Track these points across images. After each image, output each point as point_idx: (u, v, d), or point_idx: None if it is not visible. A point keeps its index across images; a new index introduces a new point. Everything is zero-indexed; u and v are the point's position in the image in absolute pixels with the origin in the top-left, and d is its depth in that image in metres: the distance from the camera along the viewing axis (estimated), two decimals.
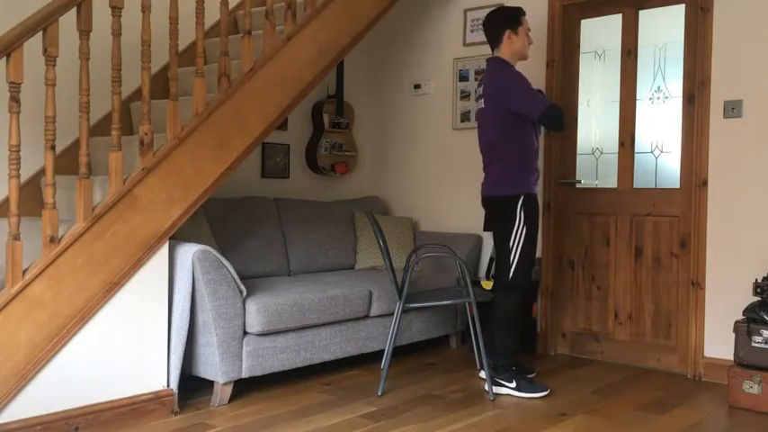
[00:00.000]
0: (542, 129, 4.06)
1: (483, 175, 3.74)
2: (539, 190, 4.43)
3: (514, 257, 3.53)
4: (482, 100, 3.66)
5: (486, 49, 4.75)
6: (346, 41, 3.92)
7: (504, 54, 3.63)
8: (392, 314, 3.95)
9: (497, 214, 3.65)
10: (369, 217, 3.74)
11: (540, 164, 4.48)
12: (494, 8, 3.81)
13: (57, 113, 2.80)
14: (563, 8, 4.45)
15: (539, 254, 4.50)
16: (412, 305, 3.64)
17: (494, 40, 3.66)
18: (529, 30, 3.70)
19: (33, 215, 3.17)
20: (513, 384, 3.53)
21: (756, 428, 3.15)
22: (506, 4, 4.63)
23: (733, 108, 3.81)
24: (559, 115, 3.58)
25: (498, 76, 3.59)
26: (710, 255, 3.91)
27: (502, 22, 3.64)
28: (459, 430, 3.06)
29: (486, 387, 3.52)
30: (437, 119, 5.06)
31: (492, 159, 3.66)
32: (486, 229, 3.77)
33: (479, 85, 3.73)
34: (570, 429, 3.09)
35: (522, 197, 3.53)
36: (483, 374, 3.67)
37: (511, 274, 3.53)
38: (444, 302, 3.80)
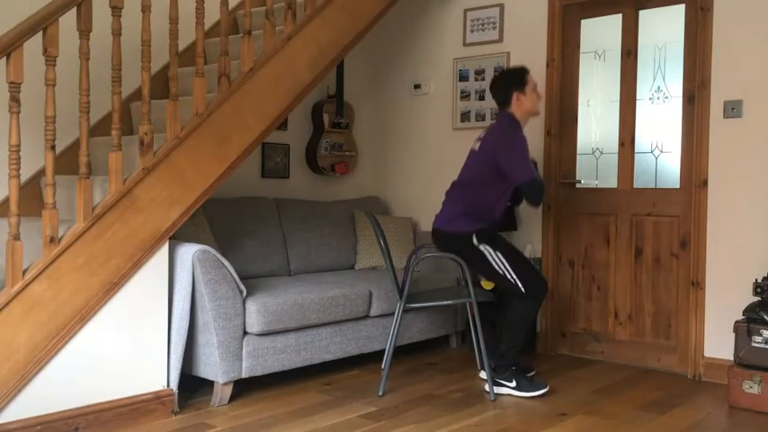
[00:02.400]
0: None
1: None
2: None
3: (514, 278, 3.51)
4: (479, 143, 3.68)
5: (487, 49, 4.79)
6: (346, 41, 3.92)
7: (516, 112, 3.65)
8: (392, 314, 3.95)
9: (457, 253, 3.61)
10: (369, 217, 3.74)
11: (540, 164, 4.48)
12: (497, 73, 3.83)
13: (57, 113, 2.80)
14: (563, 8, 4.45)
15: (539, 254, 4.51)
16: (412, 305, 3.64)
17: (503, 102, 3.68)
18: (536, 85, 3.71)
19: (33, 215, 3.17)
20: (514, 384, 3.53)
21: (756, 428, 3.15)
22: (505, 5, 4.63)
23: (733, 108, 3.81)
24: (539, 191, 3.57)
25: (503, 132, 3.62)
26: (710, 255, 3.91)
27: (508, 86, 3.66)
28: (460, 430, 3.06)
29: (487, 387, 3.52)
30: (437, 119, 5.06)
31: (456, 197, 3.68)
32: (469, 267, 3.71)
33: (484, 132, 3.74)
34: (570, 429, 3.09)
35: (473, 234, 3.54)
36: (483, 374, 3.67)
37: (523, 290, 3.51)
38: (445, 302, 3.80)
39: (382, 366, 3.71)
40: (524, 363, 3.89)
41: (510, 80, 3.68)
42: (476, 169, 3.64)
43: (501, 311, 3.66)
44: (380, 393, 3.52)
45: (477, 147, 3.69)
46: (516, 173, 3.51)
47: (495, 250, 3.53)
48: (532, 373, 3.81)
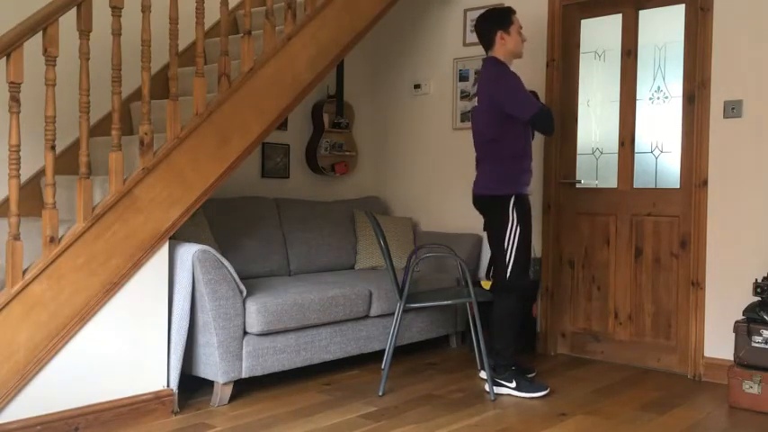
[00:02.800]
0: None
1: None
2: (537, 189, 4.46)
3: (510, 259, 3.53)
4: (476, 98, 3.68)
5: None
6: (346, 41, 3.92)
7: (499, 54, 3.63)
8: (392, 314, 3.95)
9: (489, 215, 3.65)
10: (369, 217, 3.74)
11: (540, 164, 4.48)
12: (483, 12, 3.78)
13: (57, 113, 2.80)
14: (563, 8, 4.45)
15: (539, 254, 4.50)
16: (413, 305, 3.64)
17: (487, 43, 3.66)
18: (521, 27, 3.69)
19: (33, 215, 3.17)
20: (513, 384, 3.53)
21: (756, 428, 3.15)
22: (506, 4, 4.63)
23: (733, 108, 3.81)
24: (549, 119, 3.57)
25: (493, 76, 3.59)
26: (710, 255, 3.91)
27: (493, 24, 3.63)
28: (460, 430, 3.06)
29: (487, 387, 3.52)
30: (437, 119, 5.06)
31: (484, 158, 3.67)
32: (486, 229, 3.77)
33: (474, 84, 3.72)
34: (570, 429, 3.09)
35: (513, 197, 3.54)
36: (483, 375, 3.67)
37: (508, 275, 3.53)
38: (445, 302, 3.80)
39: (382, 366, 3.71)
40: (525, 364, 3.89)
41: (494, 20, 3.64)
42: (486, 124, 3.61)
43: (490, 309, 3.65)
44: (380, 393, 3.52)
45: (476, 102, 3.67)
46: (521, 110, 3.49)
47: (517, 225, 3.52)
48: (533, 375, 3.81)
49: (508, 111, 3.50)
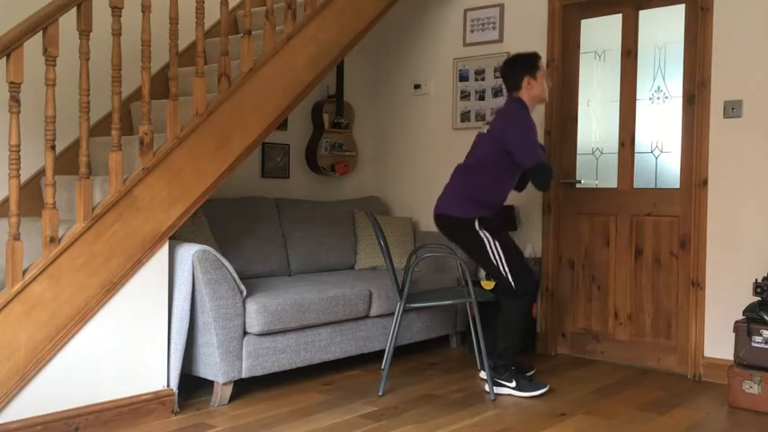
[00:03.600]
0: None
1: None
2: (537, 191, 4.46)
3: (506, 271, 3.53)
4: (487, 126, 3.69)
5: (487, 49, 4.79)
6: (346, 41, 3.92)
7: (524, 97, 3.65)
8: (392, 314, 3.95)
9: (458, 239, 3.67)
10: (370, 217, 3.74)
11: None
12: (511, 56, 3.83)
13: (57, 113, 2.80)
14: (563, 8, 4.45)
15: (539, 254, 4.51)
16: (413, 305, 3.64)
17: (513, 86, 3.67)
18: (546, 72, 3.73)
19: (33, 215, 3.17)
20: (513, 384, 3.53)
21: (756, 428, 3.15)
22: (505, 5, 4.63)
23: (733, 108, 3.81)
24: (548, 174, 3.59)
25: (512, 113, 3.62)
26: (710, 255, 3.91)
27: (521, 69, 3.65)
28: (460, 430, 3.06)
29: (487, 387, 3.53)
30: (437, 119, 5.06)
31: (460, 182, 3.68)
32: (466, 252, 3.78)
33: (494, 113, 3.74)
34: (570, 429, 3.09)
35: (476, 219, 3.56)
36: (483, 375, 3.67)
37: (514, 285, 3.53)
38: (445, 302, 3.80)
39: (382, 366, 3.71)
40: (524, 362, 3.89)
41: (523, 64, 3.66)
42: (483, 152, 3.62)
43: (497, 311, 3.66)
44: (380, 393, 3.52)
45: (485, 130, 3.68)
46: (525, 156, 3.50)
47: (494, 239, 3.54)
48: (532, 372, 3.81)
49: (511, 150, 3.52)
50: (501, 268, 3.53)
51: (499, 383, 3.55)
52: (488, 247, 3.53)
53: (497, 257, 3.53)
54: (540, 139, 4.45)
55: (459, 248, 3.81)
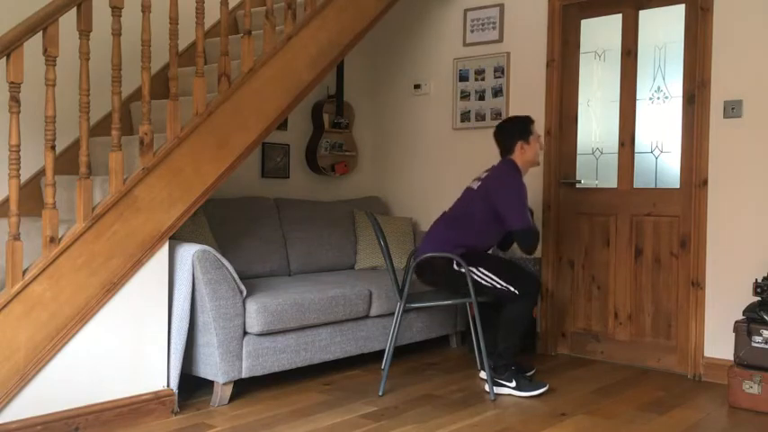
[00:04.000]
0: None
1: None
2: (537, 189, 4.47)
3: (504, 285, 3.53)
4: (478, 182, 3.71)
5: (487, 49, 4.79)
6: (346, 41, 3.92)
7: (517, 161, 3.70)
8: (392, 314, 3.95)
9: (442, 282, 3.67)
10: (370, 217, 3.74)
11: (541, 164, 4.47)
12: (504, 120, 3.89)
13: (57, 113, 2.80)
14: (563, 8, 4.45)
15: (539, 254, 4.51)
16: (413, 305, 3.64)
17: (506, 150, 3.73)
18: (539, 136, 3.78)
19: (33, 215, 3.17)
20: (514, 384, 3.53)
21: (756, 428, 3.15)
22: (505, 5, 4.64)
23: (733, 108, 3.81)
24: (534, 239, 3.61)
25: (504, 173, 3.66)
26: (710, 255, 3.91)
27: (514, 134, 3.71)
28: (460, 430, 3.06)
29: (487, 387, 3.53)
30: (437, 119, 5.06)
31: (443, 232, 3.68)
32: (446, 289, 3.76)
33: (485, 171, 3.75)
34: (570, 429, 3.09)
35: (453, 260, 3.56)
36: (483, 374, 3.67)
37: (516, 292, 3.53)
38: (445, 303, 3.80)
39: (382, 366, 3.71)
40: (524, 362, 3.89)
41: (515, 129, 3.72)
42: (470, 207, 3.66)
43: (498, 311, 3.66)
44: (380, 393, 3.52)
45: (475, 186, 3.71)
46: (514, 219, 3.55)
47: (477, 268, 3.55)
48: (532, 372, 3.81)
49: (501, 211, 3.55)
50: (498, 286, 3.54)
51: (499, 383, 3.55)
52: (476, 278, 3.53)
53: (490, 281, 3.54)
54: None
55: (448, 293, 3.72)
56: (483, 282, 3.55)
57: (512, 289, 3.52)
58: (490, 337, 3.63)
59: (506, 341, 3.58)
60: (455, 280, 3.58)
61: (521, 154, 3.69)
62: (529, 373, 3.75)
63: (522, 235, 3.57)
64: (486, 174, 3.73)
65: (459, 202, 3.77)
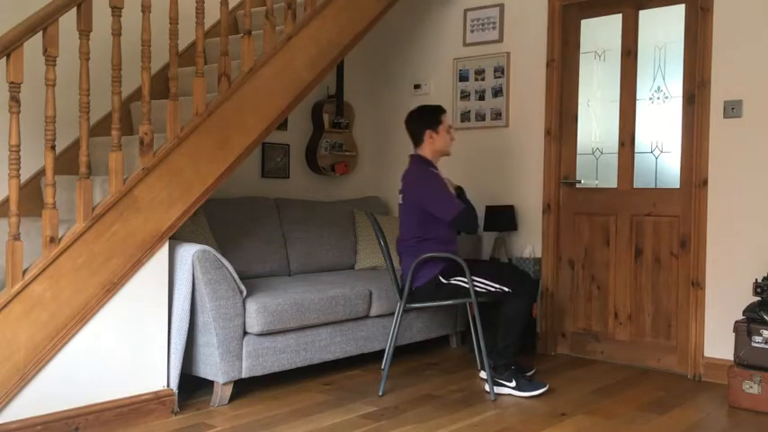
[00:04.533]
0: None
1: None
2: (537, 189, 4.48)
3: (497, 287, 3.55)
4: (401, 195, 3.72)
5: (487, 49, 4.79)
6: (346, 41, 3.92)
7: (426, 152, 3.73)
8: (392, 314, 3.95)
9: (435, 298, 3.64)
10: (369, 217, 3.74)
11: (540, 164, 4.48)
12: (414, 109, 3.84)
13: (57, 113, 2.80)
14: (563, 8, 4.45)
15: (539, 254, 4.50)
16: (413, 305, 3.64)
17: (415, 140, 3.75)
18: (450, 126, 3.78)
19: (33, 215, 3.17)
20: (513, 383, 3.53)
21: (756, 428, 3.15)
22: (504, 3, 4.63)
23: (733, 108, 3.81)
24: (471, 218, 3.63)
25: (416, 175, 3.67)
26: (710, 255, 3.91)
27: (422, 123, 3.72)
28: (460, 430, 3.06)
29: (487, 387, 3.53)
30: None
31: (405, 253, 3.68)
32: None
33: (401, 180, 3.75)
34: (570, 429, 3.09)
35: (438, 276, 3.57)
36: (483, 375, 3.67)
37: (509, 290, 3.55)
38: (445, 303, 3.79)
39: (382, 366, 3.70)
40: (524, 362, 3.88)
41: (424, 118, 3.74)
42: (410, 220, 3.67)
43: (496, 311, 3.66)
44: (381, 393, 3.52)
45: (401, 199, 3.73)
46: (441, 210, 3.57)
47: (459, 272, 3.55)
48: (532, 372, 3.81)
49: (431, 211, 3.57)
50: (492, 290, 3.56)
51: (499, 383, 3.55)
52: (467, 287, 3.52)
53: (482, 286, 3.55)
54: (540, 138, 4.47)
55: (449, 302, 3.71)
56: (479, 289, 3.55)
57: (505, 289, 3.54)
58: (490, 337, 3.64)
59: (505, 340, 3.58)
60: (448, 291, 3.60)
61: (430, 143, 3.70)
62: (528, 374, 3.75)
63: (458, 221, 3.59)
64: (402, 183, 3.73)
65: (401, 222, 3.76)
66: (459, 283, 3.56)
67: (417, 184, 3.64)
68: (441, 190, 3.61)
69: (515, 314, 3.57)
